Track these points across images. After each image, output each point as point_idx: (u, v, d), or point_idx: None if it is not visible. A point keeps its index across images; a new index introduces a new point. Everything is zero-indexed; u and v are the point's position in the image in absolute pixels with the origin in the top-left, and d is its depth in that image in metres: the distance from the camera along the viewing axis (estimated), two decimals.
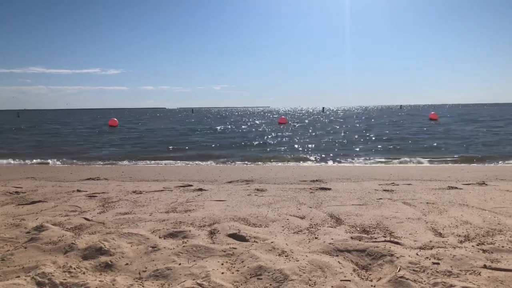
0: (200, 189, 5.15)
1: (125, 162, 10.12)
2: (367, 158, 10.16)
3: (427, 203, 4.06)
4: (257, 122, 26.70)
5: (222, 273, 2.23)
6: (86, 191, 5.05)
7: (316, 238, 2.89)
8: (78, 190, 5.12)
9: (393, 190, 4.85)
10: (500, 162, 8.98)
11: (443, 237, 2.90)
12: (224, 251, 2.55)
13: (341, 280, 2.13)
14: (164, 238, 2.90)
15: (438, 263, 2.28)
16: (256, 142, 14.91)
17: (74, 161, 10.40)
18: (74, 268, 2.29)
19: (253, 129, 23.24)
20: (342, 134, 18.66)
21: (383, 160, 9.79)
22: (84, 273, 2.26)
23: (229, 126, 26.61)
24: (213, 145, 14.14)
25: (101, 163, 10.05)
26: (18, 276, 2.19)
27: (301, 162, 9.75)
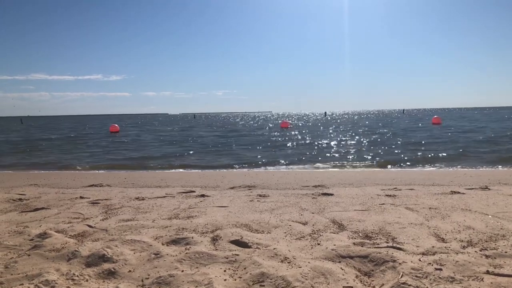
0: (203, 195, 5.15)
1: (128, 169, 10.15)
2: (370, 163, 10.15)
3: (430, 208, 4.06)
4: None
5: (225, 280, 2.23)
6: (89, 198, 5.07)
7: (318, 244, 2.89)
8: (81, 197, 5.14)
9: (395, 195, 4.84)
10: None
11: (446, 242, 2.90)
12: (227, 258, 2.55)
13: (343, 287, 2.13)
14: (167, 245, 2.91)
15: (440, 269, 2.28)
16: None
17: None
18: (77, 276, 2.30)
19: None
20: (344, 139, 18.66)
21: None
22: (87, 280, 2.27)
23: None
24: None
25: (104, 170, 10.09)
26: (22, 284, 2.20)
27: (303, 167, 9.75)
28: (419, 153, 11.69)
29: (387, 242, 2.89)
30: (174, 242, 2.97)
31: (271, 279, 2.19)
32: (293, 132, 24.82)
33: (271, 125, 34.85)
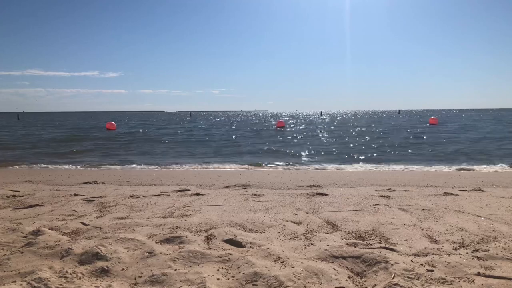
0: (197, 194, 5.15)
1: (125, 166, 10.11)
2: (363, 163, 10.20)
3: (423, 209, 4.08)
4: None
5: (218, 279, 2.24)
6: (84, 195, 5.05)
7: (312, 244, 2.90)
8: (76, 194, 5.12)
9: (389, 196, 4.87)
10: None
11: (438, 244, 2.92)
12: (220, 257, 2.55)
13: (336, 287, 2.14)
14: (161, 244, 2.90)
15: (432, 270, 2.30)
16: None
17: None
18: (70, 273, 2.29)
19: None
20: (338, 139, 18.72)
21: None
22: (80, 278, 2.26)
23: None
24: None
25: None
26: (14, 281, 2.19)
27: (298, 166, 9.76)
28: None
29: (380, 243, 2.90)
30: (168, 240, 2.97)
31: (264, 279, 2.20)
32: (295, 134, 24.84)
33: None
